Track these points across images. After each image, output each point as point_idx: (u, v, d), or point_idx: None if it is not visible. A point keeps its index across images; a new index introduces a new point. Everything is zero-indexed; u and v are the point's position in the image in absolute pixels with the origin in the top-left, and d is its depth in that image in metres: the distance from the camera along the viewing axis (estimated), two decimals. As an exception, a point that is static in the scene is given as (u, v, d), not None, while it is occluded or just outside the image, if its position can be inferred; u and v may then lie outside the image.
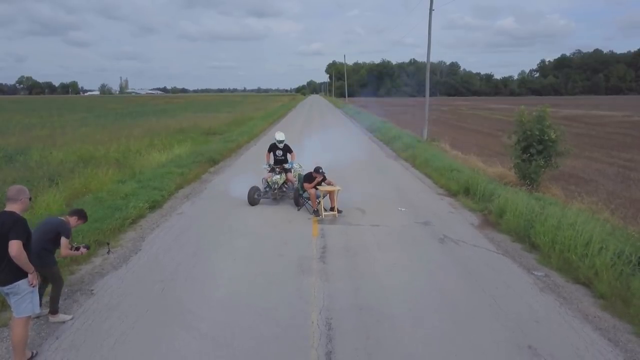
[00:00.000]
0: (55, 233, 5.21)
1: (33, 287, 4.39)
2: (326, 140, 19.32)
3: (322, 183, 9.84)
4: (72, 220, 5.53)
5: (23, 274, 4.29)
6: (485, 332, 5.00)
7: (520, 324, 5.18)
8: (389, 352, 4.64)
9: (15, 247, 4.13)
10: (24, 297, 4.33)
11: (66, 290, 6.00)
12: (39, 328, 5.07)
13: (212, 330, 5.02)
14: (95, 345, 4.72)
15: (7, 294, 4.35)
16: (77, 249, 5.51)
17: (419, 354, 4.61)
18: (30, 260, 4.96)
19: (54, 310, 5.27)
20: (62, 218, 5.49)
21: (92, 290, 6.03)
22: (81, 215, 5.66)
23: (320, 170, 9.76)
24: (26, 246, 4.30)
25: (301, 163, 11.38)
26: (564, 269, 6.67)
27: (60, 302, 5.66)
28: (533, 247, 7.62)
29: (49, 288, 5.39)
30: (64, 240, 5.23)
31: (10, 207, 4.31)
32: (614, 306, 5.54)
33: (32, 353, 4.55)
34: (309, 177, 9.79)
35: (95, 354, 4.58)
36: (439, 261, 7.13)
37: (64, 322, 5.21)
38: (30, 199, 4.51)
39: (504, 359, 4.53)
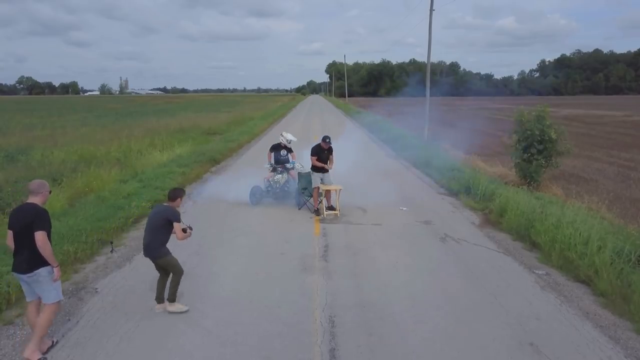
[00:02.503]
0: (165, 220, 5.33)
1: (55, 281, 4.49)
2: None
3: (329, 157, 9.90)
4: (177, 203, 5.55)
5: (42, 263, 4.40)
6: (486, 330, 5.04)
7: (522, 322, 5.22)
8: (392, 348, 4.68)
9: (40, 238, 4.30)
10: (47, 284, 4.46)
11: (70, 288, 6.06)
12: (44, 325, 5.11)
13: (216, 327, 5.07)
14: (101, 342, 4.76)
15: (29, 283, 4.48)
16: (185, 230, 5.50)
17: (421, 350, 4.65)
18: (147, 254, 5.39)
19: (172, 299, 5.42)
20: (166, 204, 5.52)
21: (96, 288, 6.07)
22: (179, 194, 5.62)
23: (327, 140, 9.82)
24: (48, 237, 4.44)
25: (302, 163, 11.40)
26: (564, 267, 6.71)
27: (65, 300, 5.71)
28: (534, 245, 7.66)
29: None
30: (176, 225, 5.32)
31: (32, 200, 4.47)
32: (614, 304, 5.59)
33: (53, 342, 4.66)
34: (316, 150, 9.80)
35: (101, 351, 4.62)
36: (441, 260, 7.17)
37: (181, 312, 5.35)
38: (50, 192, 4.68)
39: (506, 356, 4.57)
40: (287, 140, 11.00)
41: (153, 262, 5.53)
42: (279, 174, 10.69)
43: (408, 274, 6.57)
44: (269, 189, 10.66)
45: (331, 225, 8.95)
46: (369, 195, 10.83)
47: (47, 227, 4.39)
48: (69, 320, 5.25)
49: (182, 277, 6.36)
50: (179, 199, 5.56)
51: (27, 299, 4.63)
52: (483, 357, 4.55)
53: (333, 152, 10.11)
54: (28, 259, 4.37)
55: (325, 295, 5.87)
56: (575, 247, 6.74)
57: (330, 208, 9.71)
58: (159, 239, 5.37)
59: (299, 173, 10.64)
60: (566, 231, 7.08)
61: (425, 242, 8.04)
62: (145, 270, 6.70)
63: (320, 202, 9.69)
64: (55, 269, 4.48)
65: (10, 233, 4.47)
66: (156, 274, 6.48)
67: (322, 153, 9.85)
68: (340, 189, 9.75)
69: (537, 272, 6.73)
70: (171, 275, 5.49)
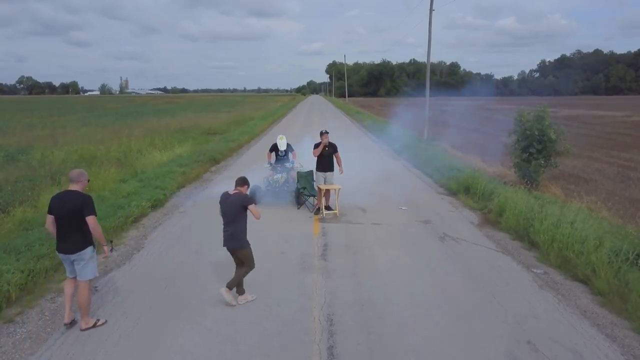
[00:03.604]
0: (242, 207, 5.54)
1: (105, 258, 5.21)
2: None
3: (336, 155, 9.93)
4: (244, 189, 5.74)
5: (86, 243, 4.95)
6: (485, 328, 5.07)
7: (520, 321, 5.24)
8: (391, 347, 4.70)
9: (92, 221, 4.84)
10: (88, 262, 5.00)
11: (70, 287, 6.07)
12: (45, 324, 5.14)
13: (215, 325, 5.09)
14: (100, 340, 4.79)
15: (74, 261, 4.97)
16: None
17: (420, 349, 4.67)
18: (232, 245, 5.61)
19: (232, 287, 5.61)
20: (234, 192, 5.64)
21: (95, 287, 6.08)
22: (246, 181, 5.82)
23: (323, 131, 9.94)
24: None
25: (302, 162, 11.42)
26: (562, 267, 6.74)
27: (65, 299, 5.75)
28: (532, 245, 7.68)
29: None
30: (252, 207, 5.57)
31: (73, 187, 4.96)
32: (612, 302, 5.61)
33: (97, 321, 5.06)
34: (317, 145, 9.93)
35: (100, 349, 4.64)
36: (440, 259, 7.19)
37: (248, 301, 5.62)
38: (88, 180, 5.19)
39: (504, 354, 4.60)
40: (280, 149, 10.92)
41: (234, 253, 5.67)
42: (278, 173, 10.71)
43: (407, 273, 6.59)
44: (269, 188, 10.68)
45: (331, 225, 8.97)
46: (368, 195, 10.84)
47: (94, 211, 4.91)
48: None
49: (182, 277, 6.42)
50: (246, 186, 5.75)
51: (68, 275, 5.12)
52: (481, 355, 4.57)
53: (338, 150, 10.09)
54: (75, 241, 4.88)
55: (324, 294, 5.89)
56: (573, 246, 6.76)
57: (327, 208, 9.73)
58: (243, 228, 5.60)
59: (298, 172, 10.65)
60: (564, 230, 7.10)
61: (425, 241, 8.06)
62: (145, 269, 6.74)
63: (320, 201, 9.71)
64: (105, 247, 5.07)
65: (50, 218, 4.88)
66: (156, 273, 6.55)
67: (323, 148, 9.88)
68: (340, 189, 9.77)
69: (535, 271, 6.75)
70: (243, 267, 5.69)
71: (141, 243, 7.85)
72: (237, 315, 5.33)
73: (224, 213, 5.62)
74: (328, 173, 9.93)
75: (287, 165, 11.00)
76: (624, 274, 5.89)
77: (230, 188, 5.79)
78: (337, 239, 8.10)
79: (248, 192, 10.12)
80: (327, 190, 9.74)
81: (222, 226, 5.65)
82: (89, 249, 4.98)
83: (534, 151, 11.80)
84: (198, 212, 9.91)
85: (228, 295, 5.54)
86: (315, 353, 4.58)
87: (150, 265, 6.90)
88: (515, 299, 5.79)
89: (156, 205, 10.13)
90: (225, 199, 5.66)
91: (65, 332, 4.96)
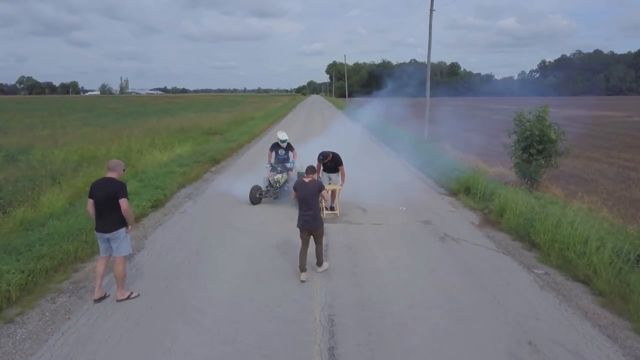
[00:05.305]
0: (318, 191, 6.31)
1: (128, 233, 5.69)
2: None
3: (339, 169, 9.64)
4: (314, 176, 6.54)
5: (122, 224, 5.59)
6: (485, 329, 5.06)
7: (520, 321, 5.24)
8: (391, 347, 4.70)
9: (125, 203, 5.47)
10: (123, 241, 5.63)
11: (70, 287, 6.08)
12: (45, 324, 5.14)
13: (216, 325, 5.09)
14: (101, 340, 4.79)
15: (110, 239, 5.59)
16: None
17: (420, 349, 4.67)
18: (311, 226, 6.29)
19: (321, 262, 6.51)
20: (308, 180, 6.40)
21: (96, 287, 6.08)
22: (315, 169, 6.70)
23: (321, 158, 9.44)
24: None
25: (303, 163, 11.40)
26: (563, 267, 6.72)
27: (65, 298, 5.79)
28: (533, 245, 7.67)
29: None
30: (324, 192, 6.45)
31: (110, 175, 5.61)
32: (613, 303, 5.60)
33: (131, 293, 5.76)
34: (320, 159, 9.52)
35: (101, 349, 4.64)
36: (440, 259, 7.18)
37: (326, 269, 6.53)
38: (124, 169, 5.83)
39: (504, 354, 4.59)
40: (280, 140, 10.96)
41: (312, 233, 6.31)
42: (278, 173, 10.70)
43: (407, 274, 6.59)
44: (269, 188, 10.67)
45: (331, 225, 8.96)
46: (368, 195, 10.84)
47: (127, 195, 5.57)
48: (69, 318, 5.27)
49: (182, 277, 6.43)
50: (316, 174, 6.40)
51: (101, 255, 5.73)
52: (482, 355, 4.57)
53: (343, 165, 9.65)
54: (112, 221, 5.52)
55: (325, 294, 5.89)
56: (574, 246, 6.75)
57: (331, 208, 9.72)
58: (319, 210, 6.34)
59: (299, 173, 10.64)
60: (565, 231, 7.09)
61: (425, 241, 8.05)
62: (145, 270, 6.73)
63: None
64: (130, 227, 5.68)
65: (91, 201, 5.53)
66: (156, 273, 6.54)
67: (325, 164, 9.74)
68: (340, 189, 9.76)
69: (536, 271, 6.75)
70: (316, 244, 6.43)
71: (141, 243, 7.84)
72: (237, 315, 5.33)
73: (304, 199, 6.22)
74: (333, 174, 9.88)
75: (287, 165, 10.99)
76: (625, 275, 5.88)
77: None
78: (337, 239, 8.09)
79: (249, 193, 10.35)
80: (333, 192, 9.73)
81: (300, 211, 6.30)
82: (124, 229, 5.61)
83: (534, 151, 11.79)
84: (198, 212, 9.90)
85: (325, 266, 6.52)
86: (316, 353, 4.58)
87: (151, 265, 6.89)
88: (516, 300, 5.78)
89: (156, 205, 10.12)
90: (303, 186, 6.32)
91: (66, 332, 4.96)
